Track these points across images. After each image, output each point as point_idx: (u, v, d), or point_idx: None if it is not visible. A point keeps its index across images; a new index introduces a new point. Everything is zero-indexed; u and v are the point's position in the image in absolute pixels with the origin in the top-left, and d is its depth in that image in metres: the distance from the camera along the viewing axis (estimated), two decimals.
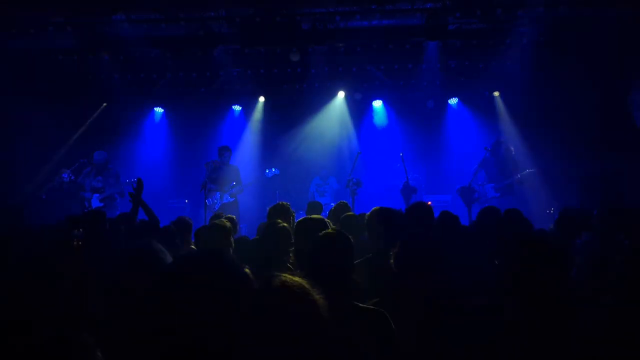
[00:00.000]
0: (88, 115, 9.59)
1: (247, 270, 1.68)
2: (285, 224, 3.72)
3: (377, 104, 10.16)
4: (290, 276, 1.53)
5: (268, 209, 4.71)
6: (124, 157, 9.35)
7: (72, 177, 7.71)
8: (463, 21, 7.68)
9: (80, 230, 3.42)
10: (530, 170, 7.91)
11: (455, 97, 9.96)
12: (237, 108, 10.40)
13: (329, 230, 2.58)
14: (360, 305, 2.20)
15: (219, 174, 8.15)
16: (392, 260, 2.47)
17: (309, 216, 3.55)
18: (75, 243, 3.18)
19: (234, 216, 5.09)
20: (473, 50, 8.43)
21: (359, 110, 10.20)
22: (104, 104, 9.76)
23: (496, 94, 9.46)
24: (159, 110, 10.27)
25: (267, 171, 8.29)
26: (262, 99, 10.15)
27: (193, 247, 4.26)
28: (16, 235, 3.70)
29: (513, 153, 8.17)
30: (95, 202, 7.63)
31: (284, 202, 4.79)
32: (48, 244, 3.09)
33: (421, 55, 8.52)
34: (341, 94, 9.84)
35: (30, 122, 8.22)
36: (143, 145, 10.18)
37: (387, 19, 7.75)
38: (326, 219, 3.68)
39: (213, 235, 3.83)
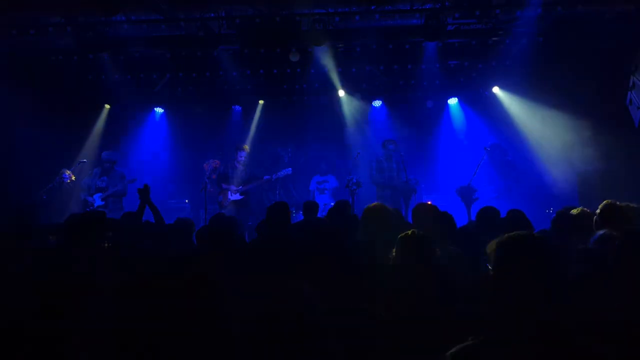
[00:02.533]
0: (89, 116, 9.60)
1: None
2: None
3: (377, 103, 10.20)
4: None
5: (267, 208, 4.74)
6: (124, 157, 9.36)
7: (73, 178, 7.73)
8: (462, 21, 7.70)
9: (110, 233, 3.48)
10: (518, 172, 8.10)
11: (455, 97, 9.98)
12: (237, 108, 10.42)
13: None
14: None
15: (234, 173, 8.18)
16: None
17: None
18: (105, 245, 3.25)
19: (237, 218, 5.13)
20: (472, 50, 8.44)
21: (359, 110, 10.22)
22: (107, 106, 9.77)
23: (495, 89, 9.41)
24: (159, 110, 10.29)
25: (282, 172, 8.32)
26: (261, 101, 10.17)
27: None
28: (30, 234, 3.77)
29: (509, 155, 8.29)
30: (98, 201, 7.66)
31: (282, 201, 4.84)
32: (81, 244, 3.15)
33: (420, 55, 8.53)
34: (341, 94, 9.86)
35: (30, 122, 8.23)
36: (143, 145, 10.20)
37: (386, 19, 7.76)
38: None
39: None
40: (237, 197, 8.12)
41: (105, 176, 7.77)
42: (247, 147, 8.42)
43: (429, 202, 8.91)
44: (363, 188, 7.92)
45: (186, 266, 2.17)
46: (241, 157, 8.26)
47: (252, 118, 10.42)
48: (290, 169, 8.38)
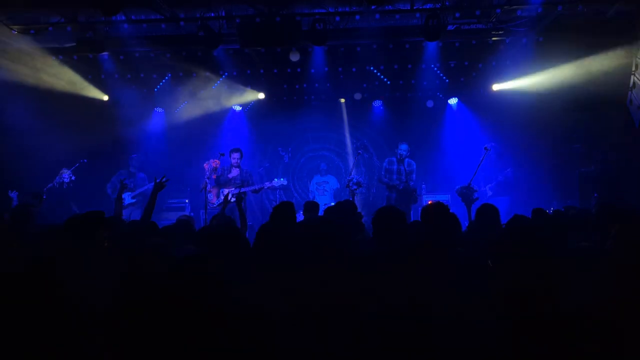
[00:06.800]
0: (89, 116, 9.59)
1: None
2: None
3: (377, 103, 10.20)
4: None
5: (273, 208, 4.72)
6: (124, 158, 9.35)
7: (73, 178, 7.76)
8: (462, 21, 7.69)
9: (107, 232, 3.50)
10: (508, 170, 8.17)
11: (455, 97, 9.98)
12: (237, 108, 10.41)
13: None
14: None
15: (229, 176, 8.12)
16: None
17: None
18: (105, 244, 3.29)
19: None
20: (472, 50, 8.44)
21: (359, 110, 10.22)
22: (105, 97, 9.76)
23: (495, 87, 9.39)
24: (159, 110, 10.29)
25: (275, 180, 8.23)
26: (261, 95, 10.12)
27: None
28: (27, 234, 3.78)
29: (497, 153, 8.42)
30: (128, 199, 8.08)
31: (288, 202, 4.81)
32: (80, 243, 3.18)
33: (421, 55, 8.55)
34: (341, 94, 9.86)
35: (30, 122, 8.22)
36: (143, 145, 10.18)
37: (386, 19, 7.77)
38: None
39: None
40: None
41: (132, 178, 8.28)
42: (239, 149, 8.32)
43: (430, 202, 8.96)
44: (373, 188, 7.95)
45: (192, 266, 2.17)
46: (235, 160, 8.21)
47: (252, 117, 10.42)
48: (285, 180, 8.27)
